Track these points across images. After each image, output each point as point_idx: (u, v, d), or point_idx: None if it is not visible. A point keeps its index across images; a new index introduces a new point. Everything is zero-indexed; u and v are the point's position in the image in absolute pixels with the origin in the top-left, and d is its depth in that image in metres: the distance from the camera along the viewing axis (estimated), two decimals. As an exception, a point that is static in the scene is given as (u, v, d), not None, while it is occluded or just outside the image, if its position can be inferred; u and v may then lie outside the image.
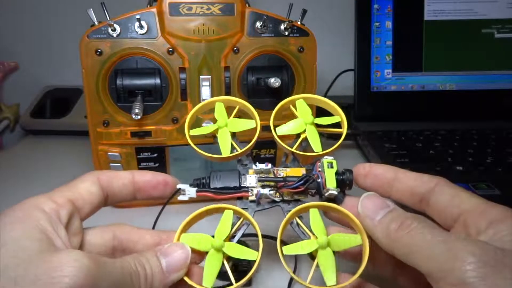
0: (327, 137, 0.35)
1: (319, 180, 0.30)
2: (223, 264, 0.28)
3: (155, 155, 0.47)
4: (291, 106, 0.34)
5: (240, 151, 0.32)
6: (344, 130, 0.33)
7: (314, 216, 0.28)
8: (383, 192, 0.30)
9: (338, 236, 0.28)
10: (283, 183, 0.30)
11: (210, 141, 0.34)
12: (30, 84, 0.76)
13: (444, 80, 0.67)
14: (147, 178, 0.31)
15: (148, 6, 0.48)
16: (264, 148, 0.49)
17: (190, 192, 0.31)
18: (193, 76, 0.45)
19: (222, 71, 0.45)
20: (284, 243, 0.28)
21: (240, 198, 0.31)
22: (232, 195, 0.30)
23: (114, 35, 0.43)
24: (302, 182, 0.30)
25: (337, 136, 0.33)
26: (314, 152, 0.32)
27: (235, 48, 0.45)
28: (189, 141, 0.32)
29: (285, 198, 0.30)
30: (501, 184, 0.46)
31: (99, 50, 0.43)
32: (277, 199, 0.30)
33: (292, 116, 0.34)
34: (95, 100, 0.44)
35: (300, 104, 0.34)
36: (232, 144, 0.32)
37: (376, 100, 0.67)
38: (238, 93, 0.46)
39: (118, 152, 0.46)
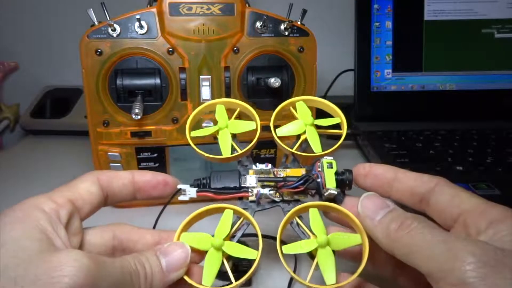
0: (327, 137, 0.35)
1: (318, 180, 0.30)
2: (223, 263, 0.28)
3: (155, 155, 0.47)
4: (291, 108, 0.35)
5: (240, 152, 0.32)
6: (344, 131, 0.33)
7: (314, 216, 0.28)
8: (383, 192, 0.30)
9: (337, 235, 0.28)
10: (283, 183, 0.30)
11: (211, 141, 0.34)
12: (30, 84, 0.76)
13: (444, 80, 0.67)
14: (147, 178, 0.31)
15: (148, 6, 0.48)
16: (264, 148, 0.49)
17: (191, 192, 0.31)
18: (193, 76, 0.45)
19: (222, 71, 0.45)
20: (284, 243, 0.28)
21: (240, 198, 0.31)
22: (232, 195, 0.30)
23: (114, 35, 0.43)
24: (301, 182, 0.30)
25: (337, 137, 0.33)
26: (314, 153, 0.32)
27: (235, 48, 0.45)
28: (190, 143, 0.32)
29: (285, 198, 0.30)
30: (501, 184, 0.46)
31: (99, 50, 0.43)
32: (277, 199, 0.30)
33: (292, 116, 0.34)
34: (95, 100, 0.44)
35: (300, 105, 0.34)
36: (232, 145, 0.32)
37: (376, 100, 0.67)
38: (238, 93, 0.46)
39: (118, 152, 0.46)
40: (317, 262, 0.27)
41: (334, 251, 0.27)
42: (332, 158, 0.31)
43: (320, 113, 0.35)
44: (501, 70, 0.67)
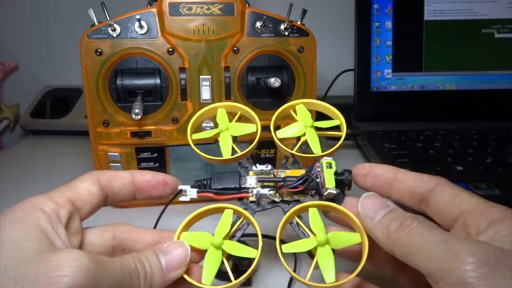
0: (327, 138, 0.35)
1: (318, 180, 0.30)
2: (223, 263, 0.28)
3: (155, 155, 0.47)
4: (291, 111, 0.35)
5: (240, 153, 0.32)
6: (344, 133, 0.33)
7: (314, 216, 0.28)
8: (383, 192, 0.30)
9: (337, 234, 0.28)
10: (283, 183, 0.30)
11: (210, 141, 0.34)
12: (30, 84, 0.76)
13: (444, 80, 0.67)
14: (147, 178, 0.31)
15: (148, 6, 0.48)
16: (264, 148, 0.49)
17: (191, 193, 0.31)
18: (193, 76, 0.45)
19: (222, 71, 0.45)
20: (283, 242, 0.28)
21: (240, 199, 0.31)
22: (232, 195, 0.30)
23: (114, 35, 0.43)
24: (301, 181, 0.30)
25: (337, 139, 0.33)
26: (314, 154, 0.32)
27: (235, 48, 0.45)
28: (192, 146, 0.33)
29: (285, 199, 0.30)
30: (501, 184, 0.46)
31: (99, 50, 0.43)
32: (277, 200, 0.30)
33: (292, 116, 0.35)
34: (95, 100, 0.44)
35: (300, 108, 0.34)
36: (233, 147, 0.33)
37: (376, 100, 0.67)
38: (238, 93, 0.46)
39: (118, 152, 0.46)
40: (316, 261, 0.27)
41: (333, 250, 0.27)
42: (331, 158, 0.31)
43: (320, 117, 0.36)
44: (501, 70, 0.67)
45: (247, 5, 0.46)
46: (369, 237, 0.27)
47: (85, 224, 0.29)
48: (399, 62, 0.67)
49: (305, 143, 0.33)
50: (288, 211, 0.29)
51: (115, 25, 0.42)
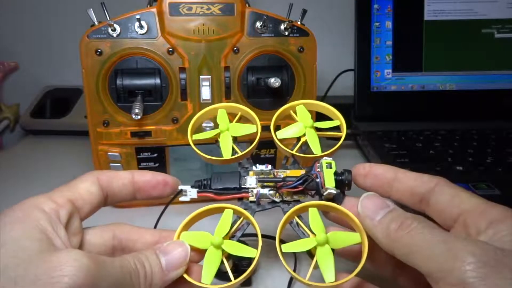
0: (327, 138, 0.35)
1: (317, 180, 0.30)
2: (222, 263, 0.28)
3: (155, 155, 0.47)
4: (291, 112, 0.35)
5: (240, 154, 0.32)
6: (344, 133, 0.33)
7: (313, 215, 0.28)
8: (383, 192, 0.30)
9: (337, 234, 0.28)
10: (282, 183, 0.30)
11: (211, 141, 0.34)
12: (30, 84, 0.76)
13: (444, 80, 0.67)
14: (147, 178, 0.31)
15: (148, 6, 0.48)
16: (264, 148, 0.49)
17: (192, 193, 0.31)
18: (193, 76, 0.45)
19: (222, 71, 0.45)
20: (283, 242, 0.28)
21: (240, 199, 0.31)
22: (232, 195, 0.31)
23: (114, 35, 0.43)
24: (300, 181, 0.30)
25: (337, 139, 0.33)
26: (314, 154, 0.32)
27: (235, 48, 0.45)
28: (193, 147, 0.33)
29: (285, 199, 0.30)
30: (501, 184, 0.46)
31: (99, 50, 0.43)
32: (277, 200, 0.30)
33: (292, 117, 0.35)
34: (95, 100, 0.44)
35: (300, 109, 0.35)
36: (233, 148, 0.33)
37: (376, 100, 0.67)
38: (238, 93, 0.46)
39: (118, 152, 0.46)
40: (316, 261, 0.27)
41: (333, 250, 0.27)
42: (331, 158, 0.31)
43: (320, 116, 0.36)
44: (501, 70, 0.67)
45: (247, 5, 0.46)
46: (369, 237, 0.27)
47: (85, 224, 0.29)
48: (399, 62, 0.67)
49: (305, 143, 0.33)
50: (288, 211, 0.29)
51: (115, 25, 0.42)
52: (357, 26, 0.66)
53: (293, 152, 0.32)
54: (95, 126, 0.45)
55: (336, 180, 0.29)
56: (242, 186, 0.31)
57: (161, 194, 0.31)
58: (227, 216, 0.29)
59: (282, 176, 0.31)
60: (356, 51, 0.66)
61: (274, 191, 0.30)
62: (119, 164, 0.46)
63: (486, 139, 0.59)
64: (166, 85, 0.44)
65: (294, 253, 0.39)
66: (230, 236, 0.29)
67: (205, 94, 0.45)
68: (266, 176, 0.31)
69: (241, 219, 0.30)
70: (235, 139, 0.34)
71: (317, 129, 0.34)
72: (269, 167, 0.32)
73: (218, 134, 0.34)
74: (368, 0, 0.66)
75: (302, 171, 0.31)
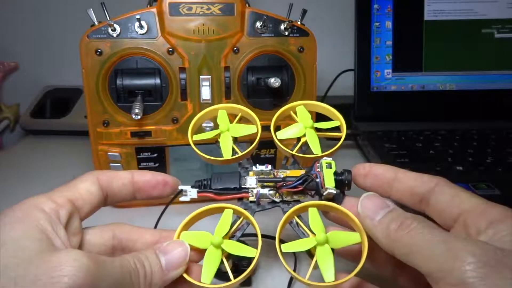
0: (328, 138, 0.36)
1: (317, 180, 0.30)
2: (222, 263, 0.28)
3: (155, 155, 0.47)
4: (291, 113, 0.35)
5: (240, 154, 0.32)
6: (343, 134, 0.33)
7: (313, 215, 0.28)
8: (383, 192, 0.30)
9: (336, 234, 0.28)
10: (282, 183, 0.30)
11: (211, 141, 0.34)
12: (30, 84, 0.76)
13: (444, 80, 0.67)
14: (147, 178, 0.31)
15: (148, 6, 0.48)
16: (264, 148, 0.49)
17: (192, 193, 0.31)
18: (193, 76, 0.45)
19: (222, 71, 0.45)
20: (283, 242, 0.28)
21: (240, 199, 0.31)
22: (232, 195, 0.31)
23: (114, 35, 0.43)
24: (300, 181, 0.30)
25: (337, 139, 0.33)
26: (314, 155, 0.32)
27: (235, 48, 0.45)
28: (193, 147, 0.33)
29: (284, 199, 0.31)
30: (501, 184, 0.46)
31: (99, 50, 0.43)
32: (276, 200, 0.30)
33: (293, 117, 0.35)
34: (95, 100, 0.44)
35: (300, 109, 0.35)
36: (233, 148, 0.33)
37: (376, 100, 0.67)
38: (238, 93, 0.46)
39: (118, 152, 0.46)
40: (316, 261, 0.27)
41: (333, 250, 0.27)
42: (331, 158, 0.31)
43: (320, 117, 0.36)
44: (501, 70, 0.67)
45: (247, 5, 0.46)
46: (368, 237, 0.27)
47: (85, 224, 0.29)
48: (399, 62, 0.67)
49: (305, 143, 0.33)
50: (288, 211, 0.29)
51: (115, 25, 0.42)
52: (357, 26, 0.66)
53: (293, 152, 0.32)
54: (95, 126, 0.45)
55: (336, 180, 0.29)
56: (242, 186, 0.31)
57: (161, 194, 0.31)
58: (227, 216, 0.29)
59: (282, 176, 0.31)
60: (356, 51, 0.66)
61: (274, 191, 0.30)
62: (119, 164, 0.46)
63: (486, 139, 0.59)
64: (166, 85, 0.44)
65: (294, 253, 0.39)
66: (230, 236, 0.29)
67: (205, 94, 0.45)
68: (266, 176, 0.31)
69: (241, 219, 0.30)
70: (235, 140, 0.34)
71: (317, 130, 0.34)
72: (269, 167, 0.32)
73: (219, 135, 0.34)
74: (368, 0, 0.66)
75: (302, 171, 0.31)
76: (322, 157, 0.31)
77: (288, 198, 0.31)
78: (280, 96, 0.46)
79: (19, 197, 0.26)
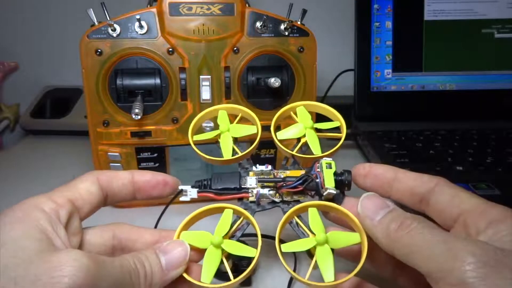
0: (328, 138, 0.36)
1: (317, 180, 0.30)
2: (222, 263, 0.28)
3: (155, 155, 0.47)
4: (291, 113, 0.35)
5: (241, 154, 0.32)
6: (343, 134, 0.33)
7: (313, 215, 0.28)
8: (383, 192, 0.30)
9: (336, 234, 0.28)
10: (282, 183, 0.30)
11: (211, 141, 0.34)
12: (30, 84, 0.76)
13: (444, 80, 0.67)
14: (147, 178, 0.31)
15: (148, 6, 0.48)
16: (264, 148, 0.49)
17: (192, 193, 0.31)
18: (193, 76, 0.45)
19: (222, 71, 0.45)
20: (283, 242, 0.28)
21: (240, 199, 0.31)
22: (232, 195, 0.31)
23: (114, 35, 0.43)
24: (300, 181, 0.30)
25: (337, 139, 0.33)
26: (314, 155, 0.32)
27: (235, 48, 0.45)
28: (193, 147, 0.33)
29: (284, 199, 0.31)
30: (501, 184, 0.46)
31: (99, 50, 0.43)
32: (276, 200, 0.30)
33: (293, 118, 0.35)
34: (95, 100, 0.44)
35: (300, 110, 0.35)
36: (233, 148, 0.33)
37: (376, 100, 0.67)
38: (238, 93, 0.46)
39: (118, 152, 0.46)
40: (316, 261, 0.27)
41: (333, 250, 0.27)
42: (331, 159, 0.31)
43: (320, 117, 0.36)
44: (501, 70, 0.67)
45: (247, 5, 0.46)
46: (368, 237, 0.27)
47: (85, 224, 0.29)
48: (399, 62, 0.67)
49: (305, 144, 0.33)
50: (287, 211, 0.29)
51: (115, 25, 0.42)
52: (357, 26, 0.66)
53: (293, 152, 0.32)
54: (95, 126, 0.45)
55: (336, 181, 0.29)
56: (242, 186, 0.31)
57: (161, 194, 0.31)
58: (227, 216, 0.29)
59: (282, 176, 0.31)
60: (356, 51, 0.66)
61: (274, 191, 0.30)
62: (119, 164, 0.46)
63: (486, 139, 0.59)
64: (166, 85, 0.44)
65: (294, 253, 0.39)
66: (230, 236, 0.29)
67: (205, 94, 0.45)
68: (266, 177, 0.31)
69: (241, 219, 0.30)
70: (235, 140, 0.34)
71: (317, 130, 0.34)
72: (269, 167, 0.32)
73: (219, 135, 0.34)
74: (368, 0, 0.65)
75: (302, 172, 0.31)
76: (322, 157, 0.31)
77: (288, 198, 0.31)
78: (280, 96, 0.46)
79: (19, 197, 0.26)
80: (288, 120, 0.36)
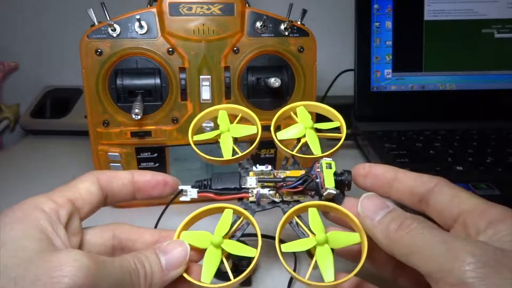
0: (328, 139, 0.36)
1: (317, 180, 0.30)
2: (222, 263, 0.28)
3: (155, 155, 0.47)
4: (291, 113, 0.35)
5: (241, 154, 0.32)
6: (343, 134, 0.33)
7: (313, 215, 0.28)
8: (383, 192, 0.30)
9: (336, 234, 0.28)
10: (282, 183, 0.30)
11: (211, 141, 0.34)
12: (30, 84, 0.76)
13: (444, 80, 0.67)
14: (147, 178, 0.31)
15: (148, 6, 0.48)
16: (264, 148, 0.49)
17: (192, 193, 0.31)
18: (193, 76, 0.45)
19: (222, 71, 0.45)
20: (283, 242, 0.28)
21: (240, 199, 0.31)
22: (232, 195, 0.31)
23: (114, 35, 0.43)
24: (300, 181, 0.30)
25: (337, 140, 0.33)
26: (314, 155, 0.32)
27: (235, 48, 0.45)
28: (194, 147, 0.33)
29: (284, 199, 0.31)
30: (501, 184, 0.46)
31: (99, 50, 0.43)
32: (276, 200, 0.30)
33: (293, 118, 0.35)
34: (95, 100, 0.44)
35: (300, 110, 0.35)
36: (233, 148, 0.33)
37: (376, 100, 0.67)
38: (238, 93, 0.46)
39: (118, 152, 0.46)
40: (316, 261, 0.27)
41: (333, 250, 0.27)
42: (331, 159, 0.31)
43: (320, 117, 0.36)
44: (501, 70, 0.67)
45: (247, 5, 0.46)
46: (368, 237, 0.27)
47: (85, 224, 0.29)
48: (399, 62, 0.67)
49: (305, 144, 0.33)
50: (287, 211, 0.29)
51: (115, 25, 0.42)
52: (357, 26, 0.66)
53: (293, 152, 0.32)
54: (95, 126, 0.45)
55: (335, 181, 0.30)
56: (242, 186, 0.31)
57: (161, 194, 0.31)
58: (227, 216, 0.29)
59: (282, 176, 0.31)
60: (356, 51, 0.66)
61: (274, 191, 0.30)
62: (119, 164, 0.46)
63: (486, 139, 0.59)
64: (166, 85, 0.44)
65: (294, 253, 0.39)
66: (230, 236, 0.29)
67: (205, 94, 0.45)
68: (266, 177, 0.31)
69: (241, 219, 0.30)
70: (235, 140, 0.34)
71: (317, 130, 0.34)
72: (269, 167, 0.32)
73: (219, 135, 0.34)
74: (368, 0, 0.66)
75: (302, 172, 0.31)
76: (322, 157, 0.31)
77: (288, 198, 0.31)
78: (280, 96, 0.46)
79: (19, 197, 0.26)
80: (288, 120, 0.36)
